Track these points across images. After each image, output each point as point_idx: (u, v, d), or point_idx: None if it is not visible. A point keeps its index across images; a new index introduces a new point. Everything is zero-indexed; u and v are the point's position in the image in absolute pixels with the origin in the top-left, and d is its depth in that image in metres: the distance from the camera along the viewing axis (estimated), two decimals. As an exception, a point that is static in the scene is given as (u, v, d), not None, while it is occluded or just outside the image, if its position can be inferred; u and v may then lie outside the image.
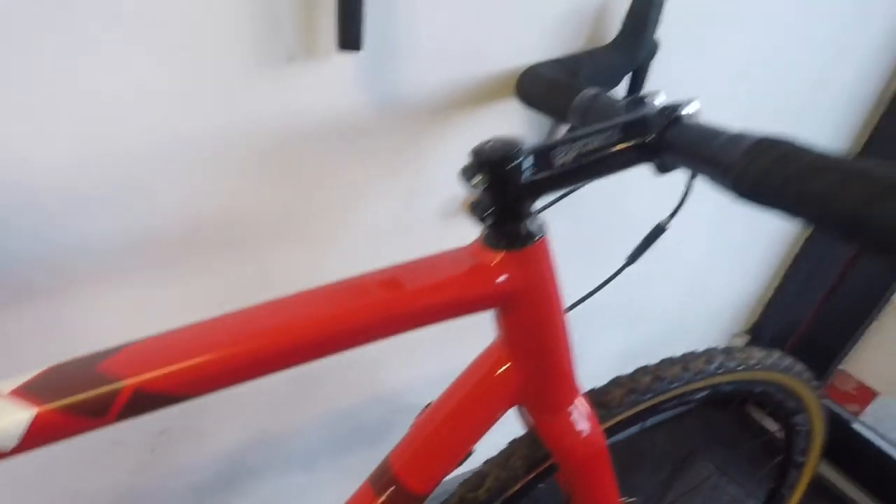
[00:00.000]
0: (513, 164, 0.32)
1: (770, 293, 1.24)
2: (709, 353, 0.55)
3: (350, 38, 0.43)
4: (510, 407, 0.43)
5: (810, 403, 0.66)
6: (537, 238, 0.35)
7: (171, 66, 0.42)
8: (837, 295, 1.14)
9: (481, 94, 0.57)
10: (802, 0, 0.71)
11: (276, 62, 0.45)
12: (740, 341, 1.30)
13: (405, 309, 0.33)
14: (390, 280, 0.34)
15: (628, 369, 0.55)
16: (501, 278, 0.35)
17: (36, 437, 0.28)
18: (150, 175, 0.46)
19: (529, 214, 0.35)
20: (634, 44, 0.55)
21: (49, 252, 0.46)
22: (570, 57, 0.57)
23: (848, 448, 1.17)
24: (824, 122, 0.91)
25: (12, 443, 0.28)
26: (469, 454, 0.43)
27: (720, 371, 0.54)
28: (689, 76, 0.69)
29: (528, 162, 0.32)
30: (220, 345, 0.31)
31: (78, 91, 0.40)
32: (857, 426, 1.16)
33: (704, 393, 0.56)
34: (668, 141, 0.34)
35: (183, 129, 0.45)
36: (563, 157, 0.33)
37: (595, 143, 0.34)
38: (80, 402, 0.28)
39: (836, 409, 1.20)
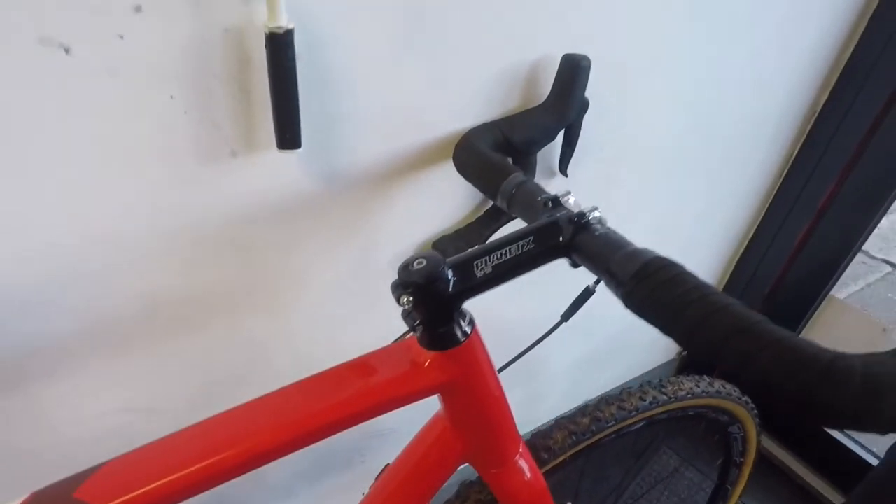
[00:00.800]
0: (436, 282, 0.36)
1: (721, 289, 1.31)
2: (643, 389, 0.61)
3: (288, 139, 0.45)
4: (458, 466, 0.48)
5: (742, 415, 0.73)
6: (465, 338, 0.39)
7: (119, 169, 0.44)
8: (781, 288, 1.21)
9: (424, 159, 0.60)
10: (721, 37, 0.75)
11: (220, 158, 0.48)
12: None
13: (347, 411, 0.37)
14: (331, 384, 0.38)
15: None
16: (435, 376, 0.39)
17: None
18: (105, 269, 0.49)
19: (455, 319, 0.39)
20: (564, 103, 0.59)
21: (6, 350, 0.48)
22: (504, 119, 0.60)
23: (813, 443, 1.24)
24: (759, 134, 0.96)
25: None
26: (423, 511, 0.48)
27: (653, 406, 0.60)
28: (623, 115, 0.73)
29: (450, 276, 0.36)
30: (182, 464, 0.35)
31: (31, 198, 0.42)
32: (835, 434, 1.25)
33: (640, 425, 0.62)
34: (576, 246, 0.38)
35: (134, 225, 0.48)
36: (482, 268, 0.37)
37: (511, 251, 0.38)
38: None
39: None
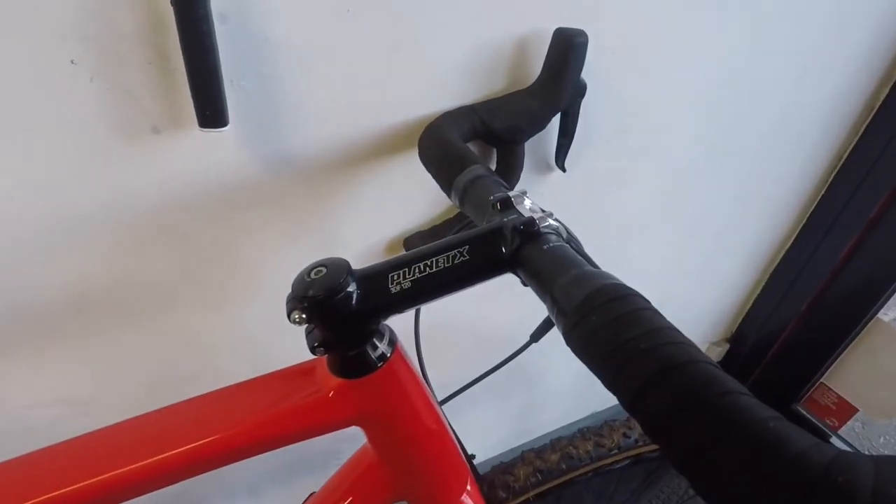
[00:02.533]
0: (338, 297, 0.29)
1: (750, 303, 1.19)
2: (628, 424, 0.52)
3: (210, 116, 0.39)
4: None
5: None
6: (381, 363, 0.32)
7: (36, 146, 0.39)
8: (821, 306, 1.09)
9: (390, 147, 0.52)
10: (760, 15, 0.64)
11: (140, 135, 0.42)
12: (719, 350, 1.26)
13: (231, 444, 0.31)
14: (220, 412, 0.32)
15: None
16: (342, 408, 0.32)
17: None
18: (30, 256, 0.44)
19: (369, 339, 0.32)
20: (555, 88, 0.50)
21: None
22: (484, 103, 0.52)
23: None
24: (802, 134, 0.84)
25: None
26: (349, 550, 0.42)
27: (639, 443, 0.51)
28: (634, 105, 0.63)
29: (356, 289, 0.29)
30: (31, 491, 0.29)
31: None
32: (833, 440, 1.13)
33: (626, 462, 0.54)
34: (521, 260, 0.30)
35: (51, 208, 0.43)
36: (398, 282, 0.30)
37: (439, 263, 0.30)
38: None
39: (814, 421, 1.16)
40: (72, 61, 0.37)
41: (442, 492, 0.41)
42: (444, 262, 0.30)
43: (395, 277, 0.30)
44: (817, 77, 0.75)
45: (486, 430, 0.99)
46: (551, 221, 0.31)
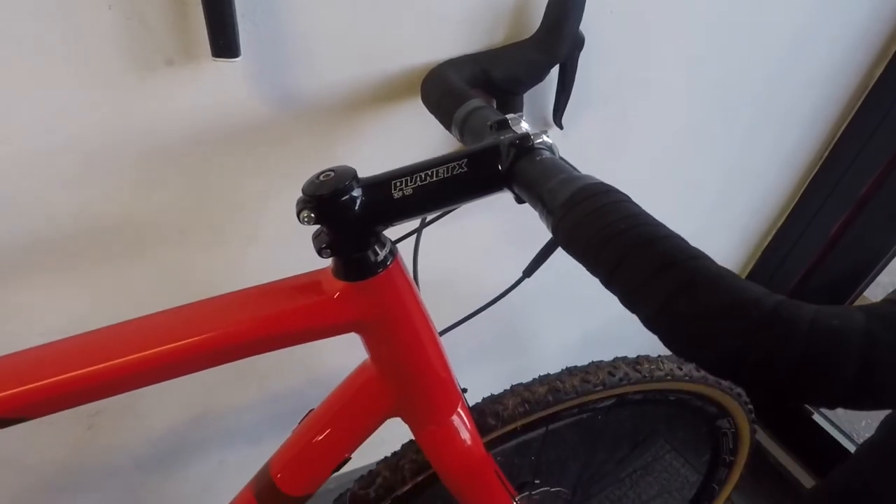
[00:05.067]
0: (343, 199, 0.31)
1: (750, 267, 1.21)
2: (614, 363, 0.55)
3: (223, 45, 0.41)
4: (384, 419, 0.44)
5: (733, 409, 0.66)
6: (382, 268, 0.34)
7: (49, 75, 0.41)
8: (810, 284, 1.11)
9: (395, 91, 0.54)
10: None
11: (154, 66, 0.44)
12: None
13: (243, 338, 0.33)
14: (232, 309, 0.34)
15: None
16: (345, 310, 0.34)
17: None
18: (40, 182, 0.46)
19: (372, 245, 0.34)
20: (554, 39, 0.52)
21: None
22: (485, 53, 0.54)
23: (806, 439, 1.18)
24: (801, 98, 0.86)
25: None
26: (345, 461, 0.45)
27: (623, 382, 0.54)
28: (632, 65, 0.65)
29: (360, 195, 0.31)
30: (57, 369, 0.32)
31: None
32: (816, 418, 1.16)
33: (610, 402, 0.56)
34: (515, 174, 0.32)
35: (65, 136, 0.45)
36: (401, 189, 0.32)
37: (439, 173, 0.33)
38: None
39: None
40: (92, -15, 0.39)
41: (434, 409, 0.44)
42: (444, 173, 0.32)
43: (398, 184, 0.32)
44: (812, 50, 0.77)
45: (476, 394, 1.01)
46: (545, 138, 0.33)
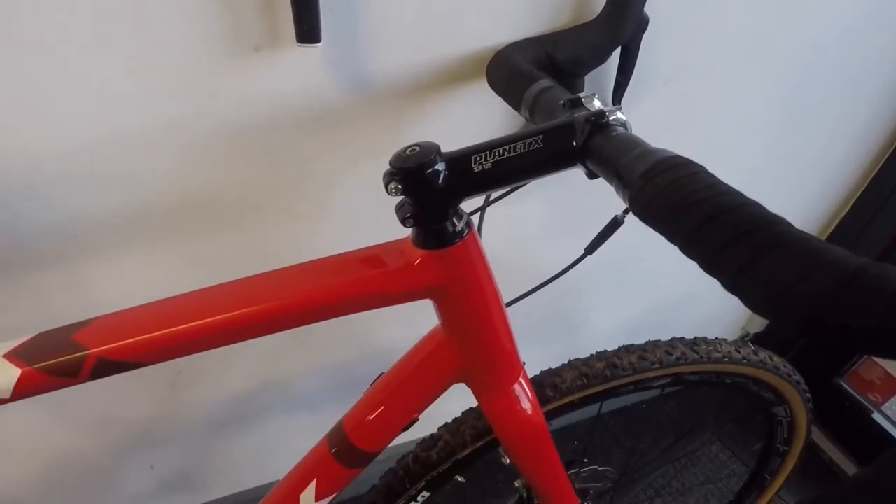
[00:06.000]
0: (428, 172, 0.33)
1: None
2: (671, 344, 0.56)
3: (306, 31, 0.44)
4: (450, 384, 0.47)
5: (790, 396, 0.66)
6: (459, 239, 0.37)
7: (147, 61, 0.46)
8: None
9: (460, 75, 0.56)
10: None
11: (244, 52, 0.48)
12: (760, 320, 1.25)
13: (332, 300, 0.37)
14: (321, 273, 0.37)
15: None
16: (424, 276, 0.37)
17: (23, 391, 0.34)
18: (136, 160, 0.51)
19: (451, 216, 0.36)
20: (618, 20, 0.53)
21: (57, 225, 0.52)
22: (549, 35, 0.55)
23: (862, 438, 1.14)
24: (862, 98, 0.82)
25: (6, 395, 0.34)
26: (413, 422, 0.48)
27: (680, 362, 0.55)
28: (695, 46, 0.65)
29: (444, 168, 0.34)
30: (169, 322, 0.36)
31: (68, 90, 0.45)
32: (876, 416, 1.12)
33: (665, 381, 0.57)
34: (590, 150, 0.34)
35: (162, 116, 0.49)
36: (480, 163, 0.34)
37: (517, 149, 0.35)
38: (56, 365, 0.34)
39: (855, 395, 1.15)
40: (198, -24, 0.43)
41: (498, 376, 0.46)
42: (521, 148, 0.34)
43: (478, 159, 0.34)
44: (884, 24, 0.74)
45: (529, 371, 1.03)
46: (619, 115, 0.34)
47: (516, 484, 0.70)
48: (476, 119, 0.60)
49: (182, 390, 0.76)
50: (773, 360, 0.61)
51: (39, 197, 0.50)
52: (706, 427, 1.28)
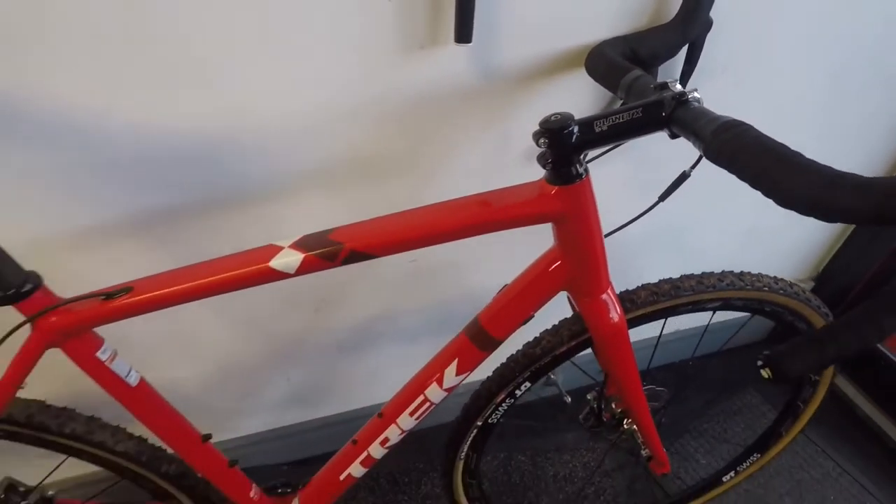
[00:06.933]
0: (566, 131, 0.51)
1: (840, 243, 1.29)
2: (723, 273, 0.72)
3: (464, 34, 0.62)
4: (560, 290, 0.65)
5: (821, 326, 0.81)
6: (579, 179, 0.55)
7: (340, 58, 0.65)
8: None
9: (560, 65, 0.74)
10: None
11: (412, 49, 0.67)
12: (803, 286, 1.37)
13: (492, 217, 0.55)
14: (483, 200, 0.56)
15: None
16: (556, 203, 0.55)
17: (303, 269, 0.55)
18: (340, 127, 0.71)
19: (577, 163, 0.54)
20: (689, 22, 0.69)
21: (267, 174, 0.73)
22: (634, 34, 0.72)
23: (892, 391, 1.26)
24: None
25: (293, 271, 0.55)
26: (530, 318, 0.66)
27: (729, 287, 0.71)
28: (745, 41, 0.80)
29: (576, 129, 0.52)
30: (392, 228, 0.56)
31: (280, 79, 0.66)
32: (907, 371, 1.24)
33: (717, 304, 0.74)
34: (674, 118, 0.51)
35: (342, 97, 0.69)
36: (600, 126, 0.52)
37: (624, 117, 0.52)
38: (324, 253, 0.54)
39: (892, 357, 1.27)
40: (387, -6, 0.62)
41: (595, 285, 0.64)
42: (626, 116, 0.52)
43: (599, 123, 0.52)
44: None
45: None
46: (696, 94, 0.51)
47: (588, 396, 0.88)
48: (573, 100, 0.78)
49: (323, 315, 0.97)
50: (805, 293, 0.76)
51: (269, 152, 0.71)
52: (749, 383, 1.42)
